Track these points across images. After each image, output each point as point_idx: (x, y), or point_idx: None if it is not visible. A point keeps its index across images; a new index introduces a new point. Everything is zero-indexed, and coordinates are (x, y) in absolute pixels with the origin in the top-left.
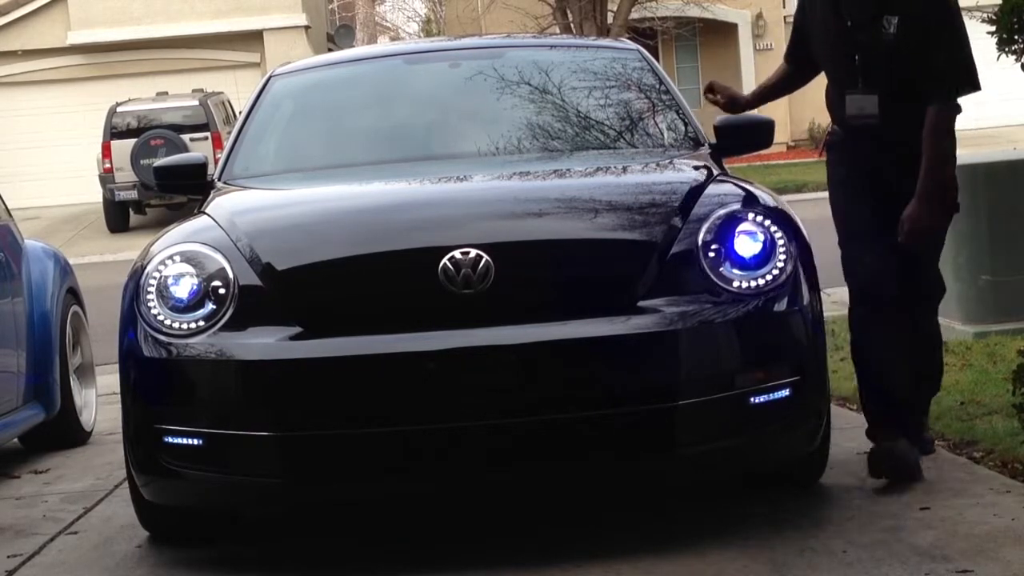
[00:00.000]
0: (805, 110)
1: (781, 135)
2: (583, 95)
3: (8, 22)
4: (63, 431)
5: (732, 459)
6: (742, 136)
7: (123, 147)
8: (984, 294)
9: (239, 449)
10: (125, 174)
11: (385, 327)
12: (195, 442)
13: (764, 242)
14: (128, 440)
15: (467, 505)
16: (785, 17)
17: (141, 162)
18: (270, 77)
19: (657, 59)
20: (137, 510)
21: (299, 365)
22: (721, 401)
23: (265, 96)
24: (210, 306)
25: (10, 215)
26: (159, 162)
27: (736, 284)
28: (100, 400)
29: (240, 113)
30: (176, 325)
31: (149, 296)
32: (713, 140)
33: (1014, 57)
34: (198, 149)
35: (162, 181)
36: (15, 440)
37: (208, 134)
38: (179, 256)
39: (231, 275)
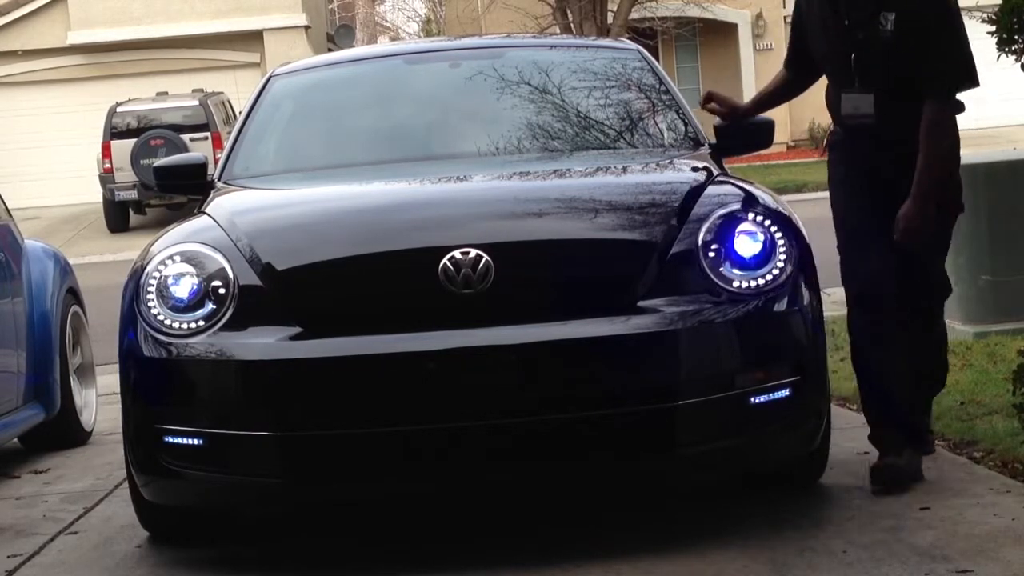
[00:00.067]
0: (805, 110)
1: (781, 135)
2: (583, 95)
3: (8, 22)
4: (63, 431)
5: (732, 459)
6: (742, 136)
7: (123, 147)
8: (984, 294)
9: (239, 449)
10: (125, 174)
11: (385, 327)
12: (195, 442)
13: (764, 242)
14: (128, 440)
15: (467, 505)
16: (785, 17)
17: (141, 162)
18: (270, 77)
19: (657, 59)
20: (137, 510)
21: (299, 365)
22: (721, 401)
23: (265, 96)
24: (210, 306)
25: (10, 215)
26: (159, 162)
27: (736, 284)
28: (100, 400)
29: (240, 113)
30: (176, 325)
31: (149, 296)
32: (713, 140)
33: (1014, 57)
34: (198, 149)
35: (162, 181)
36: (15, 440)
37: (208, 134)
38: (179, 256)
39: (231, 275)
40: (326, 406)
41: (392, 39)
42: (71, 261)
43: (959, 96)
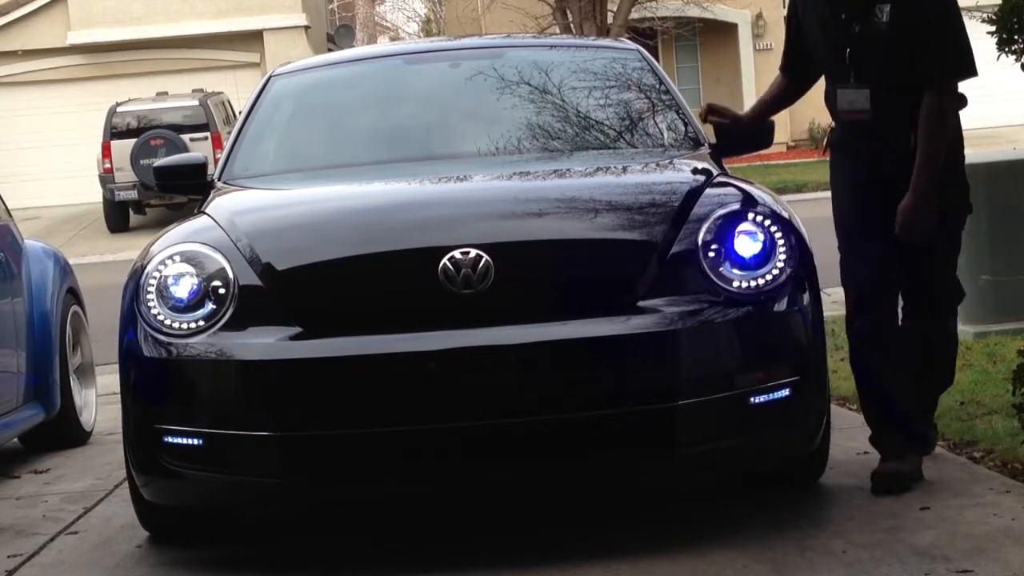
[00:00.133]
0: (805, 110)
1: (781, 135)
2: (583, 95)
3: (8, 22)
4: (63, 431)
5: (732, 459)
6: (742, 136)
7: (123, 147)
8: (984, 294)
9: (239, 449)
10: (125, 174)
11: (385, 327)
12: (195, 442)
13: (764, 242)
14: (128, 440)
15: (467, 505)
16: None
17: (141, 162)
18: (270, 77)
19: (657, 59)
20: (137, 510)
21: (299, 365)
22: (721, 401)
23: (265, 96)
24: (210, 306)
25: (10, 215)
26: (159, 162)
27: (736, 284)
28: (100, 400)
29: (240, 113)
30: (176, 325)
31: (149, 296)
32: (713, 140)
33: (1014, 57)
34: (198, 149)
35: (162, 181)
36: (15, 440)
37: (208, 134)
38: (179, 256)
39: (231, 275)
40: (326, 406)
41: (392, 39)
42: (71, 261)
43: (961, 90)
